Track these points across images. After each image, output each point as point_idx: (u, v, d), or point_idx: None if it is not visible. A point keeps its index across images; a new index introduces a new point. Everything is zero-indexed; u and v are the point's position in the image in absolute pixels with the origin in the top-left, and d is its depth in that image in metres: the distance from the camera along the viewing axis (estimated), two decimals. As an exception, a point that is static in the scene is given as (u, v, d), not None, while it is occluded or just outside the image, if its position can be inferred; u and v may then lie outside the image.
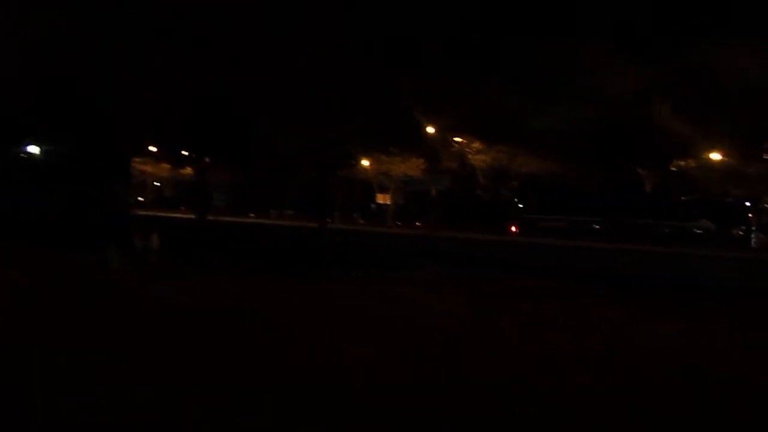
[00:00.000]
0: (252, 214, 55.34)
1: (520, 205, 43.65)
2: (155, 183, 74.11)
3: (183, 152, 56.53)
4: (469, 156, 52.02)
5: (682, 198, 45.33)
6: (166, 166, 63.60)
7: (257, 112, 40.11)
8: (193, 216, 46.89)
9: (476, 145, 51.17)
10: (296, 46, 37.63)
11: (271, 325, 8.91)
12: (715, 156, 45.41)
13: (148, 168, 64.13)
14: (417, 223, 49.23)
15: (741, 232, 35.87)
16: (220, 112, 39.60)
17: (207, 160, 52.68)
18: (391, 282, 16.73)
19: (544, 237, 32.22)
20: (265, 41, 36.51)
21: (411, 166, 51.28)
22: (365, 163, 54.70)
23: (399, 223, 52.29)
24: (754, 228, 37.79)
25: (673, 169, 48.11)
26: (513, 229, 41.52)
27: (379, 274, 18.17)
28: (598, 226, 38.00)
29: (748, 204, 36.73)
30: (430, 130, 46.13)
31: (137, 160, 55.54)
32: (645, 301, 15.14)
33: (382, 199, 54.71)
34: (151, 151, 58.30)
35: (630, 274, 19.28)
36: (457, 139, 51.85)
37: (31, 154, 37.94)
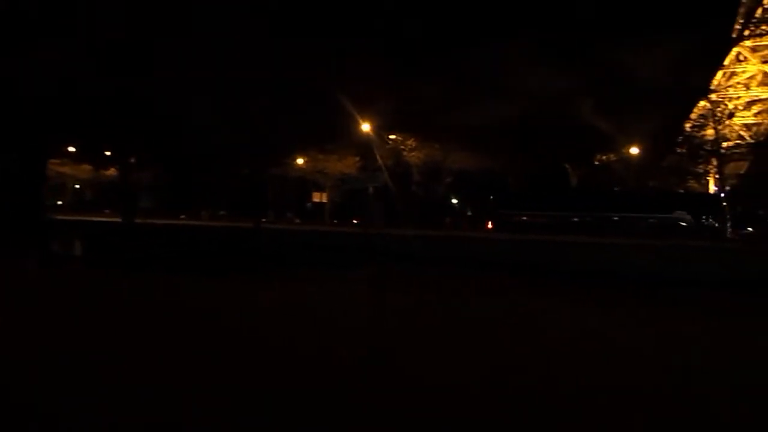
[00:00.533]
0: (182, 216, 53.31)
1: (495, 203, 44.57)
2: (75, 185, 70.04)
3: (105, 152, 53.69)
4: (404, 153, 52.69)
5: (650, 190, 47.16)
6: (87, 167, 60.17)
7: (183, 109, 38.58)
8: (118, 219, 44.54)
9: (410, 142, 51.85)
10: (221, 38, 36.60)
11: (200, 326, 8.49)
12: (634, 150, 48.27)
13: (67, 169, 60.43)
14: (354, 221, 49.16)
15: (716, 224, 37.40)
16: (142, 108, 37.72)
17: (132, 160, 50.27)
18: (329, 280, 16.55)
19: (517, 232, 33.06)
20: (188, 31, 35.23)
21: (347, 164, 51.21)
22: (300, 161, 54.09)
23: (336, 221, 52.07)
24: (729, 219, 39.68)
25: (596, 163, 50.83)
26: (489, 225, 42.43)
27: (317, 273, 17.93)
28: (576, 220, 38.95)
29: (723, 196, 38.81)
30: (365, 127, 46.22)
31: (54, 161, 52.11)
32: (573, 291, 15.72)
33: (318, 197, 54.29)
34: (69, 152, 54.90)
35: (567, 265, 20.01)
36: (392, 136, 52.33)
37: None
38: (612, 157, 49.21)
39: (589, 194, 44.38)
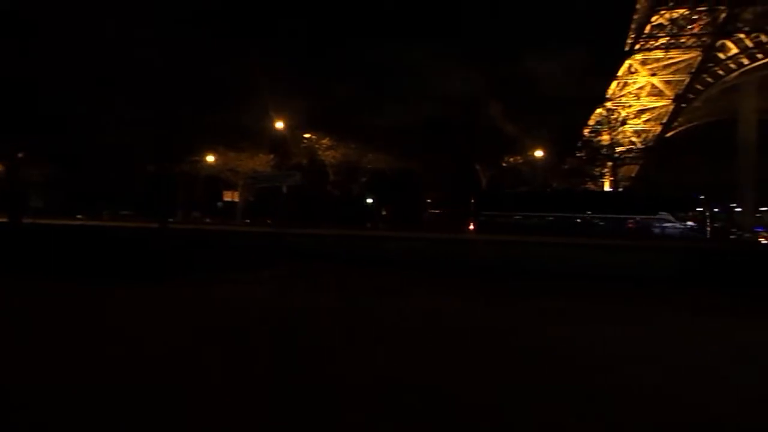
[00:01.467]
0: (80, 216, 49.53)
1: (477, 204, 45.10)
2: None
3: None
4: (320, 152, 52.23)
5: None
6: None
7: (75, 99, 35.83)
8: (4, 219, 40.54)
9: (326, 141, 51.50)
10: (121, 31, 34.44)
11: (99, 332, 7.89)
12: (539, 153, 50.83)
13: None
14: (268, 221, 48.05)
15: (696, 224, 38.98)
16: (29, 99, 34.56)
17: (20, 155, 46.05)
18: (240, 281, 15.96)
19: (497, 233, 33.92)
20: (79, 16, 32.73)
21: (260, 162, 49.96)
22: (210, 158, 52.08)
23: (249, 221, 50.60)
24: (708, 219, 41.61)
25: (504, 164, 53.00)
26: (471, 226, 42.91)
27: (227, 274, 17.23)
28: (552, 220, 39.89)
29: (702, 197, 40.84)
30: (279, 125, 45.31)
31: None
32: (475, 287, 16.21)
33: (229, 196, 52.52)
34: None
35: (479, 262, 20.58)
36: (306, 135, 51.70)
37: None
38: (519, 159, 51.48)
39: (571, 196, 45.89)
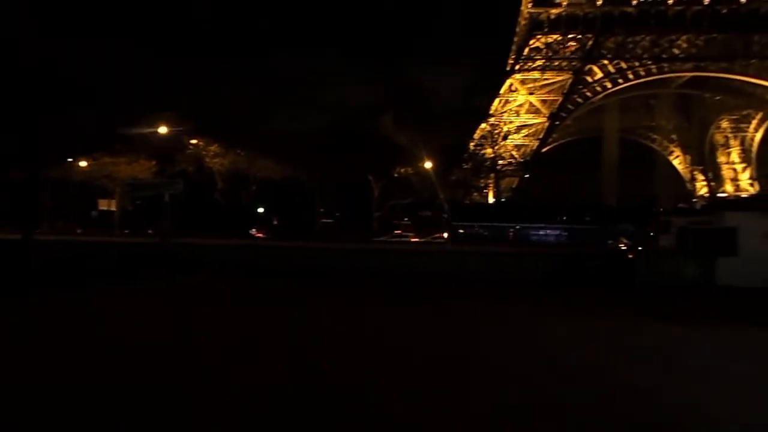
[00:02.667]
0: None
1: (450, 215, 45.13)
2: None
3: None
4: (207, 159, 50.14)
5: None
6: None
7: None
8: None
9: (214, 148, 49.57)
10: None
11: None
12: (428, 164, 52.60)
13: None
14: (149, 231, 45.14)
15: (652, 233, 40.58)
16: None
17: None
18: (114, 295, 14.81)
19: (469, 244, 34.18)
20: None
21: (140, 169, 46.86)
22: (83, 163, 48.04)
23: (128, 232, 47.19)
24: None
25: (396, 175, 54.22)
26: (445, 235, 43.57)
27: (99, 289, 15.94)
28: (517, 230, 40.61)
29: (661, 209, 42.49)
30: (163, 130, 42.83)
31: None
32: (367, 293, 16.40)
33: (105, 204, 48.72)
34: None
35: (373, 269, 20.83)
36: (193, 141, 49.41)
37: None
38: (409, 170, 52.90)
39: (537, 207, 47.07)
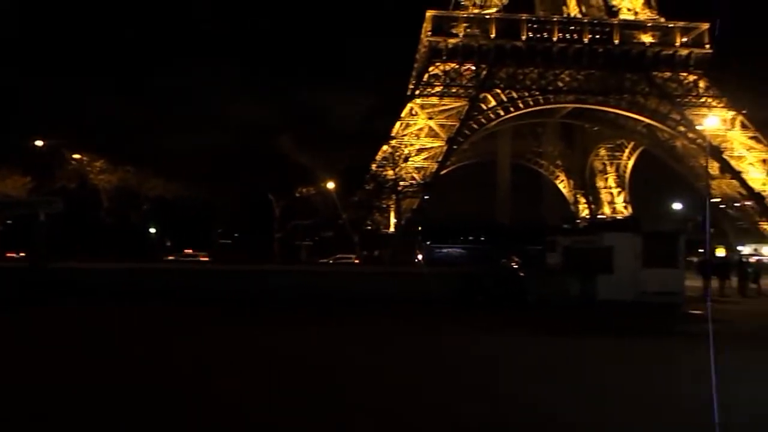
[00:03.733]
0: None
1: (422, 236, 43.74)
2: None
3: None
4: (92, 176, 46.62)
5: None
6: None
7: None
8: None
9: (99, 164, 46.23)
10: None
11: None
12: (330, 185, 52.56)
13: None
14: (21, 253, 40.85)
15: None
16: None
17: None
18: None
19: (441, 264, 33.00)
20: None
21: (13, 185, 42.53)
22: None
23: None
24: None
25: (298, 195, 53.57)
26: (419, 257, 42.93)
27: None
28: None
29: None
30: (39, 143, 39.28)
31: None
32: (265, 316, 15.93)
33: (-31, 225, 43.50)
34: None
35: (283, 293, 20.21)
36: (76, 156, 45.79)
37: None
38: (311, 190, 52.52)
39: (504, 229, 46.69)
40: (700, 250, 31.31)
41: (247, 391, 7.40)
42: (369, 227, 63.16)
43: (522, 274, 25.66)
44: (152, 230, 50.04)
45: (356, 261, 49.29)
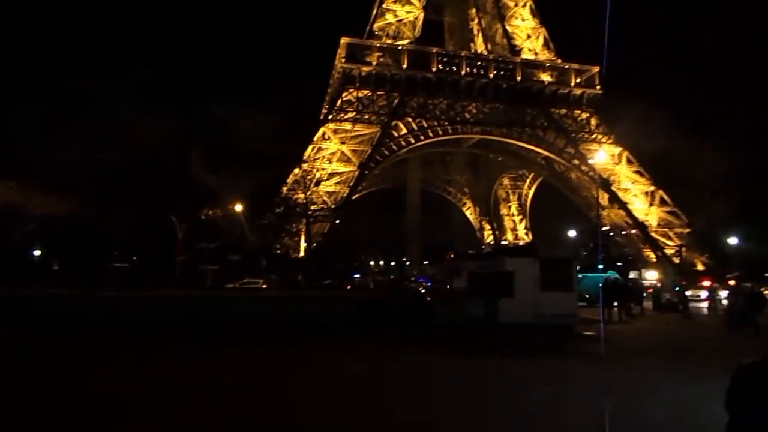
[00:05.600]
0: None
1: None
2: None
3: None
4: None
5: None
6: None
7: None
8: None
9: (-24, 178, 41.80)
10: None
11: None
12: (238, 207, 50.92)
13: None
14: None
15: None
16: None
17: None
18: None
19: None
20: None
21: None
22: None
23: None
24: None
25: (203, 217, 51.38)
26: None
27: None
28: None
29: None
30: None
31: None
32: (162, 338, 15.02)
33: None
34: None
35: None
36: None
37: None
38: (218, 212, 50.60)
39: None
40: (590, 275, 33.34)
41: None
42: (278, 251, 61.76)
43: (429, 298, 26.09)
44: (37, 252, 45.71)
45: (264, 285, 47.86)
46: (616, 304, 25.33)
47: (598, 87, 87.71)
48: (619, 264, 55.62)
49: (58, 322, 17.49)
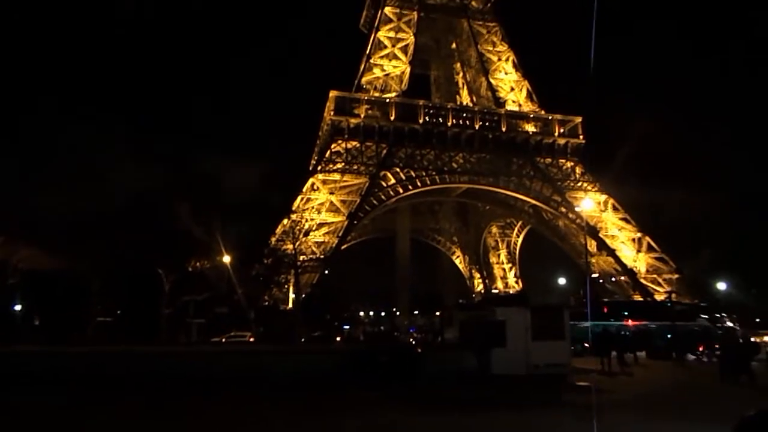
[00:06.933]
0: None
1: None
2: None
3: None
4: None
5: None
6: None
7: None
8: None
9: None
10: None
11: None
12: (226, 258, 50.30)
13: None
14: None
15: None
16: None
17: None
18: None
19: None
20: None
21: None
22: None
23: None
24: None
25: (190, 269, 50.63)
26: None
27: None
28: None
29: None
30: None
31: None
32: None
33: None
34: None
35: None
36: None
37: None
38: (205, 263, 49.97)
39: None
40: (585, 324, 32.98)
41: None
42: (267, 303, 60.75)
43: (419, 349, 25.56)
44: (18, 307, 44.58)
45: (251, 339, 46.79)
46: (614, 353, 25.00)
47: (581, 136, 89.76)
48: (705, 315, 51.55)
49: (22, 380, 16.80)
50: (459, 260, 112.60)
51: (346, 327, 69.84)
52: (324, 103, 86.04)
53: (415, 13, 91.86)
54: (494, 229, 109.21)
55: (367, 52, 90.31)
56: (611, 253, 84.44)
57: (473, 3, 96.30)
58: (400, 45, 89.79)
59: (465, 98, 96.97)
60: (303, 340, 47.79)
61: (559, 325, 21.44)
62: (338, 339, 58.20)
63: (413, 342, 36.43)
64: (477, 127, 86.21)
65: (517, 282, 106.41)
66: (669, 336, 33.95)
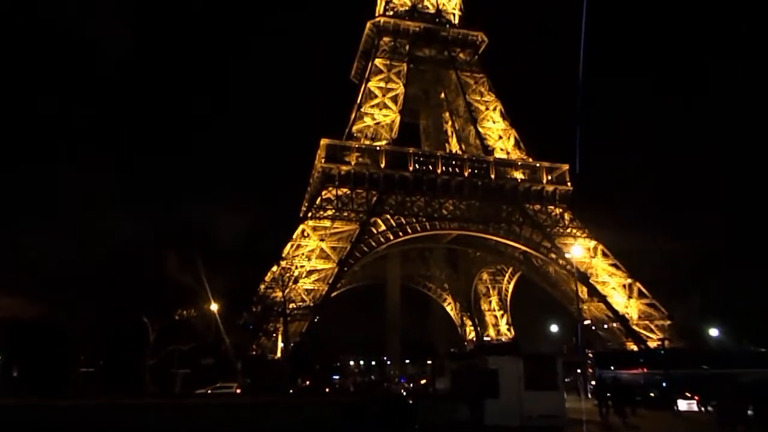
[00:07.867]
0: None
1: None
2: None
3: None
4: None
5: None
6: None
7: None
8: None
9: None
10: None
11: None
12: (214, 306, 49.43)
13: None
14: None
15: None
16: None
17: None
18: None
19: None
20: None
21: None
22: None
23: None
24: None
25: (177, 317, 49.61)
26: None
27: None
28: None
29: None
30: None
31: None
32: None
33: None
34: None
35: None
36: None
37: None
38: (193, 312, 49.06)
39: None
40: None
41: None
42: (254, 352, 59.42)
43: (410, 401, 24.89)
44: (-4, 358, 43.25)
45: (238, 390, 45.46)
46: (611, 403, 24.46)
47: (569, 183, 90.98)
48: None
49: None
50: (450, 307, 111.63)
51: (336, 377, 68.19)
52: (315, 151, 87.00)
53: (404, 64, 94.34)
54: (485, 276, 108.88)
55: (358, 101, 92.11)
56: (602, 299, 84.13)
57: (461, 55, 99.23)
58: (390, 95, 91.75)
59: (454, 146, 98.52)
60: (291, 391, 46.51)
61: (551, 374, 21.05)
62: (327, 390, 56.74)
63: (404, 392, 35.55)
64: (466, 174, 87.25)
65: (509, 329, 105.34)
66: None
